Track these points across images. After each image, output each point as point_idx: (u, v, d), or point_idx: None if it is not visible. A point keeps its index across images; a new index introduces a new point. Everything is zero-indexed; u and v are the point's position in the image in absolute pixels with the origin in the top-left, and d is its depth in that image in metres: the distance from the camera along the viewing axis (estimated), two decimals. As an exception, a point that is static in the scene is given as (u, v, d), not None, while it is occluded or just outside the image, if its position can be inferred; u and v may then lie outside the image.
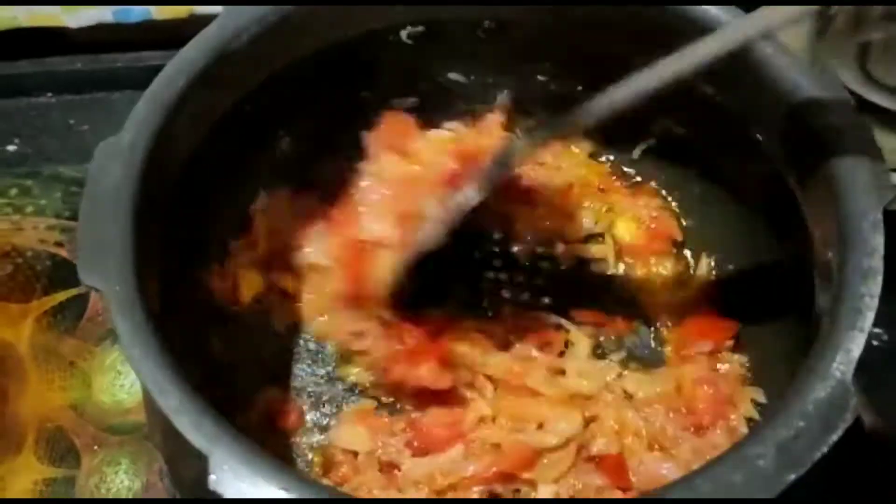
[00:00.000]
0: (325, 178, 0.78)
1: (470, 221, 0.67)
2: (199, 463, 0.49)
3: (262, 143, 0.77)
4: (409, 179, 0.67)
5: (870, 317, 0.52)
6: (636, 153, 0.83)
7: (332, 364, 0.76)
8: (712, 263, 0.79)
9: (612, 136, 0.83)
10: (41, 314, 0.81)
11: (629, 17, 0.70)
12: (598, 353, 0.75)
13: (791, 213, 0.64)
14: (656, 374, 0.74)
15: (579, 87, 0.80)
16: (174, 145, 0.63)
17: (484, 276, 0.80)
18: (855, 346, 0.51)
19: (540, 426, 0.69)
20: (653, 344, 0.77)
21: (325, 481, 0.68)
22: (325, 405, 0.73)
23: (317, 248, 0.72)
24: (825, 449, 0.48)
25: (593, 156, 0.85)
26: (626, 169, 0.84)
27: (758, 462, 0.48)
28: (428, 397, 0.70)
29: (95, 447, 0.74)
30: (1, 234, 0.86)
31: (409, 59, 0.77)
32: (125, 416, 0.76)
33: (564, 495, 0.67)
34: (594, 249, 0.81)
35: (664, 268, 0.80)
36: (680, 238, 0.81)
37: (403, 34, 0.75)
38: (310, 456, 0.71)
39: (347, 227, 0.68)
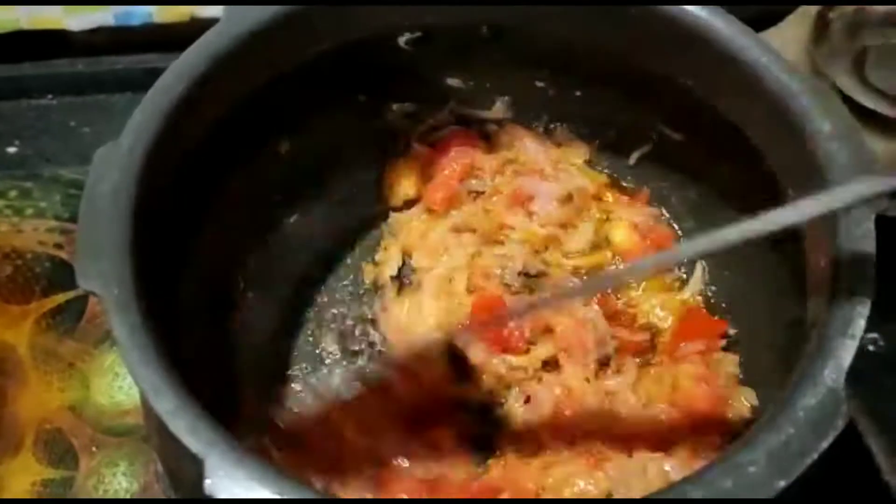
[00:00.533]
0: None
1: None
2: (195, 467, 0.49)
3: (259, 148, 0.77)
4: None
5: (861, 324, 0.52)
6: (632, 159, 0.83)
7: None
8: (706, 268, 0.79)
9: (609, 142, 0.84)
10: (40, 316, 0.81)
11: (625, 19, 0.71)
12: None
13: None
14: (652, 373, 0.74)
15: (577, 93, 0.81)
16: (173, 150, 0.63)
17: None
18: (846, 353, 0.51)
19: None
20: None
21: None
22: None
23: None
24: (815, 456, 0.48)
25: (589, 163, 0.85)
26: (622, 175, 0.85)
27: (749, 469, 0.48)
28: None
29: (94, 448, 0.75)
30: (1, 235, 0.86)
31: (407, 64, 0.77)
32: (123, 417, 0.76)
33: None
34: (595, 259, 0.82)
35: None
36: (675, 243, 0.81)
37: (401, 40, 0.75)
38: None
39: None
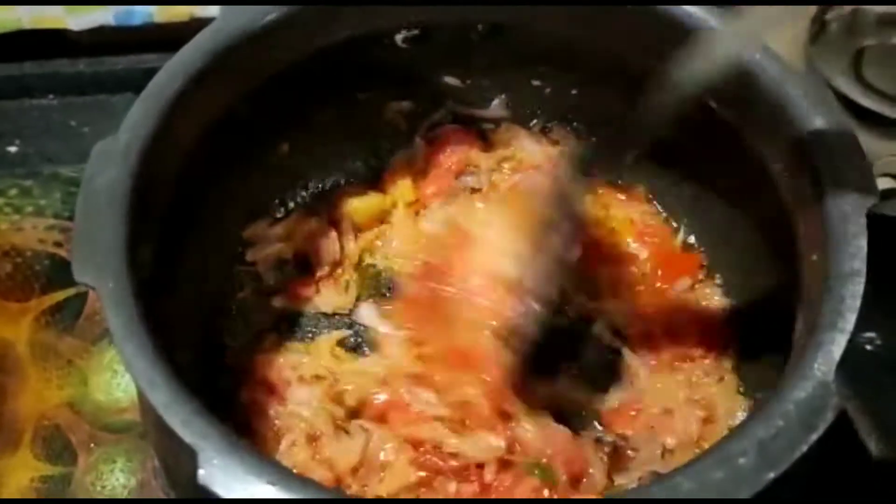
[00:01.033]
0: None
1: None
2: (191, 461, 0.49)
3: (258, 145, 0.77)
4: None
5: (851, 318, 0.52)
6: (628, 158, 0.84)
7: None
8: (704, 264, 0.80)
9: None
10: (40, 313, 0.82)
11: (621, 18, 0.71)
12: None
13: (780, 216, 0.65)
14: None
15: (573, 91, 0.81)
16: (170, 146, 0.63)
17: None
18: (836, 346, 0.52)
19: None
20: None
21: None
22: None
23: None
24: (805, 448, 0.48)
25: (585, 162, 0.85)
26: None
27: (739, 460, 0.48)
28: None
29: (92, 445, 0.75)
30: (1, 233, 0.86)
31: (404, 62, 0.77)
32: (121, 414, 0.76)
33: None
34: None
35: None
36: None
37: (399, 38, 0.76)
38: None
39: None
